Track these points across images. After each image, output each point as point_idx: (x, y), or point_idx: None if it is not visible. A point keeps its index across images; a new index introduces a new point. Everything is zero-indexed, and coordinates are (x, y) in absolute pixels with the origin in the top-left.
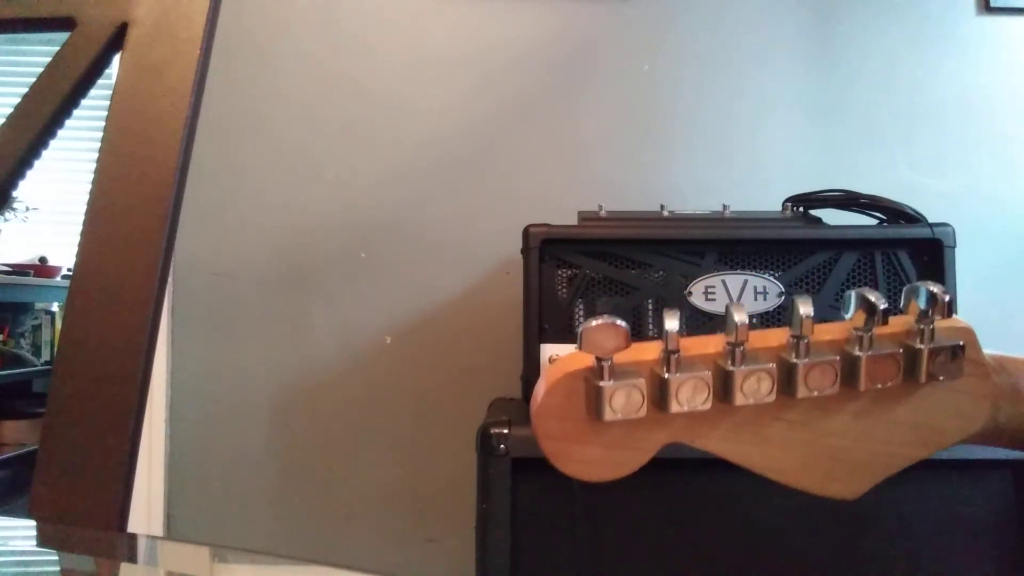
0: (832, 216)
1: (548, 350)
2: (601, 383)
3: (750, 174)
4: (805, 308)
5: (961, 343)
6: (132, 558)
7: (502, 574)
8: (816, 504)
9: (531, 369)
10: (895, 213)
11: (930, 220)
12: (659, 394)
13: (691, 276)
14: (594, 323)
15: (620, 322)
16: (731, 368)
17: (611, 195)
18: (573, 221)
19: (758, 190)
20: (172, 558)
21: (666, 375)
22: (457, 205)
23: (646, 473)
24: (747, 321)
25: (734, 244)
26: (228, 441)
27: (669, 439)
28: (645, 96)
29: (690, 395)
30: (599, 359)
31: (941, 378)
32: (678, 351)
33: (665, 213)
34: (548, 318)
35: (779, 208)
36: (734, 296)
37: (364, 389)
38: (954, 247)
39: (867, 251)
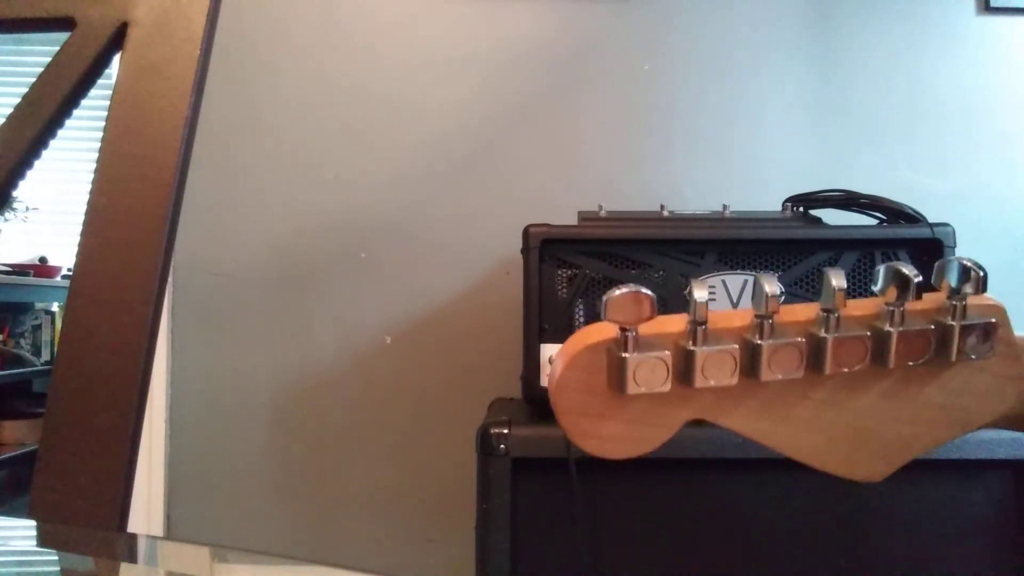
0: (832, 216)
1: (548, 350)
2: (625, 355)
3: (750, 174)
4: (838, 280)
5: (993, 320)
6: (132, 558)
7: (502, 574)
8: (816, 504)
9: (531, 369)
10: (895, 213)
11: (930, 220)
12: (684, 367)
13: (691, 276)
14: (618, 292)
15: (646, 291)
16: (759, 342)
17: (611, 195)
18: (573, 221)
19: (758, 190)
20: (172, 558)
21: (692, 347)
22: (457, 205)
23: (646, 473)
24: (778, 292)
25: (734, 244)
26: (228, 441)
27: (693, 415)
28: (645, 96)
29: (716, 369)
30: (624, 329)
31: (972, 357)
32: (705, 323)
33: (665, 213)
34: (548, 318)
35: (779, 208)
36: (734, 296)
37: (364, 389)
38: (954, 247)
39: (867, 251)
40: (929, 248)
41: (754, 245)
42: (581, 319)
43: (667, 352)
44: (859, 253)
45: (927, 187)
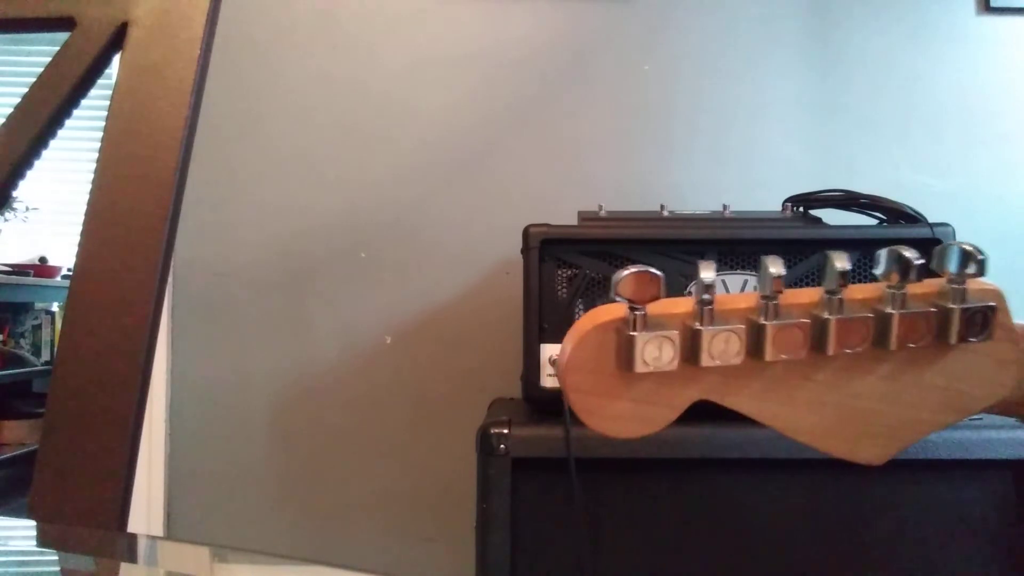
0: (832, 216)
1: (548, 350)
2: (633, 333)
3: (750, 174)
4: (841, 263)
5: (992, 304)
6: (132, 558)
7: (502, 574)
8: (816, 504)
9: (531, 369)
10: (895, 213)
11: (930, 220)
12: (691, 347)
13: (691, 276)
14: (627, 271)
15: (655, 271)
16: (764, 322)
17: (611, 195)
18: (573, 221)
19: (758, 190)
20: (172, 558)
21: (699, 327)
22: (457, 205)
23: (646, 473)
24: (782, 273)
25: (734, 244)
26: (228, 441)
27: (699, 395)
28: (645, 96)
29: (722, 349)
30: (632, 308)
31: (972, 340)
32: (712, 303)
33: (665, 213)
34: (548, 318)
35: (779, 208)
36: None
37: (364, 389)
38: None
39: (867, 251)
40: (929, 248)
41: (754, 245)
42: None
43: (675, 332)
44: (859, 253)
45: (927, 187)
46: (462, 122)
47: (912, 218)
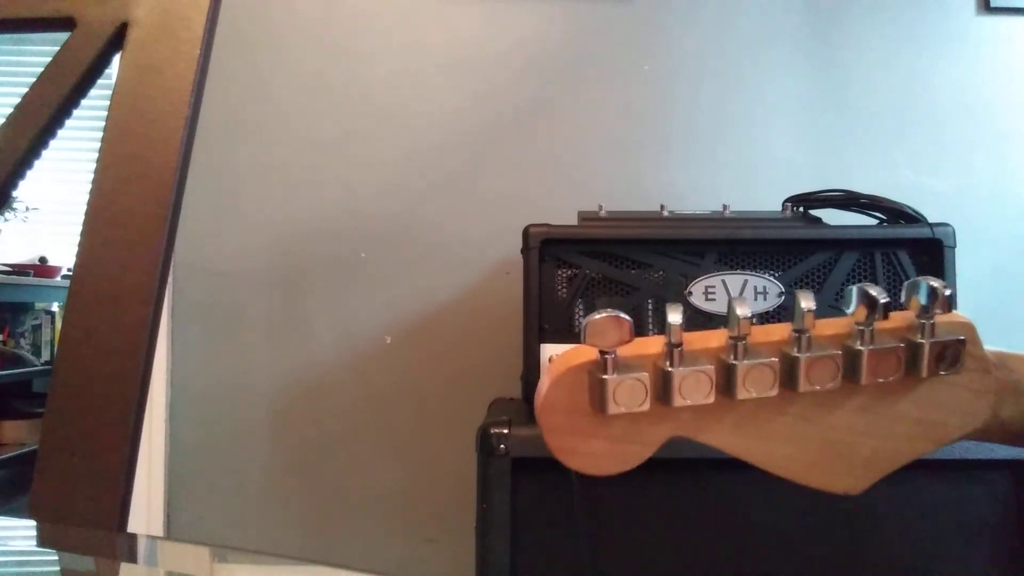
0: (832, 216)
1: (548, 350)
2: (605, 376)
3: (750, 174)
4: (807, 302)
5: (962, 337)
6: (132, 558)
7: (502, 574)
8: (816, 504)
9: (531, 369)
10: (895, 213)
11: (930, 220)
12: (662, 388)
13: (691, 276)
14: (597, 316)
15: (623, 315)
16: (733, 362)
17: (611, 195)
18: (573, 221)
19: (758, 190)
20: (172, 558)
21: (669, 368)
22: (457, 205)
23: (646, 473)
24: (749, 315)
25: (734, 244)
26: (228, 441)
27: (673, 433)
28: (645, 96)
29: (693, 389)
30: (603, 352)
31: (942, 372)
32: (681, 345)
33: (665, 213)
34: (548, 318)
35: (779, 208)
36: (734, 296)
37: (364, 389)
38: (954, 247)
39: (867, 251)
40: (929, 248)
41: (754, 245)
42: (581, 319)
43: (645, 373)
44: (859, 253)
45: (927, 187)
46: (462, 122)
47: (912, 218)
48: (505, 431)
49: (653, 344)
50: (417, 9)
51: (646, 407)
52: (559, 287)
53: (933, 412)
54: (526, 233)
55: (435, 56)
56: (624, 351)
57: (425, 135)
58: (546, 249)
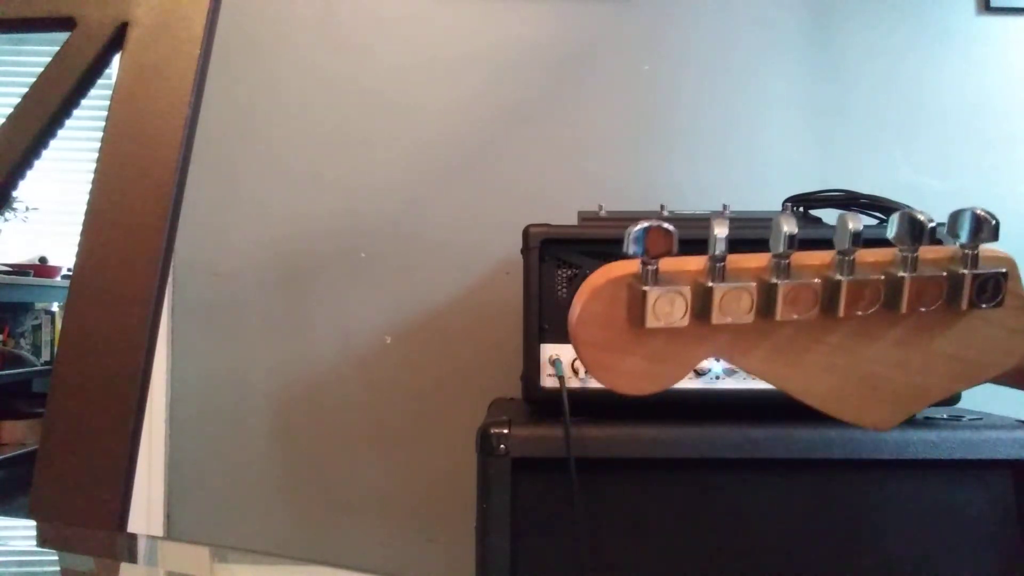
0: (832, 216)
1: (548, 350)
2: (645, 288)
3: (750, 174)
4: (854, 224)
5: (1004, 270)
6: (132, 558)
7: (502, 574)
8: (816, 504)
9: (531, 369)
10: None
11: None
12: (702, 304)
13: None
14: (642, 225)
15: (668, 226)
16: (775, 281)
17: (611, 195)
18: (573, 221)
19: (758, 190)
20: (172, 558)
21: (710, 284)
22: (457, 205)
23: (646, 473)
24: (795, 232)
25: (734, 244)
26: (228, 441)
27: (709, 354)
28: (645, 96)
29: (733, 306)
30: (645, 263)
31: (983, 306)
32: (724, 260)
33: (665, 213)
34: (548, 318)
35: (779, 208)
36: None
37: (364, 389)
38: None
39: None
40: None
41: (754, 245)
42: None
43: (686, 288)
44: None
45: (928, 187)
46: (462, 122)
47: None
48: (505, 431)
49: (695, 262)
50: (416, 9)
51: (685, 322)
52: (559, 287)
53: (969, 350)
54: (526, 233)
55: (435, 56)
56: (666, 265)
57: (425, 135)
58: (546, 249)
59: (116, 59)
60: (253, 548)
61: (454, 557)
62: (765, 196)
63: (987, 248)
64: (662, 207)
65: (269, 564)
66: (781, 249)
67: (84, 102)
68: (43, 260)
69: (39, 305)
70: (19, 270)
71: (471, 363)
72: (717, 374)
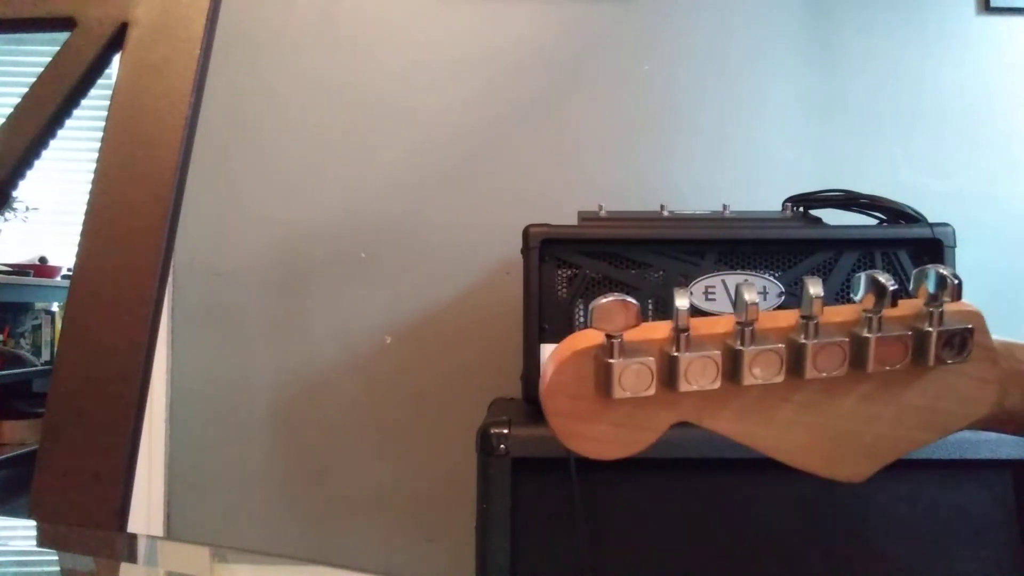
0: (832, 216)
1: (548, 350)
2: (611, 360)
3: (750, 174)
4: (815, 288)
5: (970, 327)
6: (132, 558)
7: (502, 574)
8: (816, 504)
9: (531, 369)
10: (895, 213)
11: (930, 220)
12: (668, 373)
13: (691, 276)
14: (604, 300)
15: (630, 299)
16: (740, 348)
17: (611, 195)
18: (573, 221)
19: (758, 190)
20: (172, 558)
21: (675, 353)
22: (457, 205)
23: (646, 473)
24: (757, 301)
25: (734, 244)
26: (228, 441)
27: (678, 418)
28: (645, 96)
29: (699, 374)
30: (609, 336)
31: (949, 362)
32: (688, 330)
33: (665, 213)
34: (548, 318)
35: (779, 208)
36: (734, 296)
37: (364, 389)
38: (954, 247)
39: (867, 251)
40: (929, 248)
41: (754, 245)
42: (581, 319)
43: (651, 358)
44: (859, 253)
45: (927, 187)
46: (462, 122)
47: (912, 218)
48: (505, 431)
49: (659, 329)
50: (416, 10)
51: (652, 392)
52: (559, 287)
53: (939, 401)
54: (526, 233)
55: (435, 56)
56: (631, 335)
57: (425, 135)
58: (546, 249)
59: (116, 59)
60: (253, 548)
61: (454, 557)
62: (765, 196)
63: (954, 305)
64: (662, 207)
65: (269, 564)
66: (744, 317)
67: (84, 102)
68: (43, 260)
69: (39, 305)
70: (19, 270)
71: (471, 363)
72: None
